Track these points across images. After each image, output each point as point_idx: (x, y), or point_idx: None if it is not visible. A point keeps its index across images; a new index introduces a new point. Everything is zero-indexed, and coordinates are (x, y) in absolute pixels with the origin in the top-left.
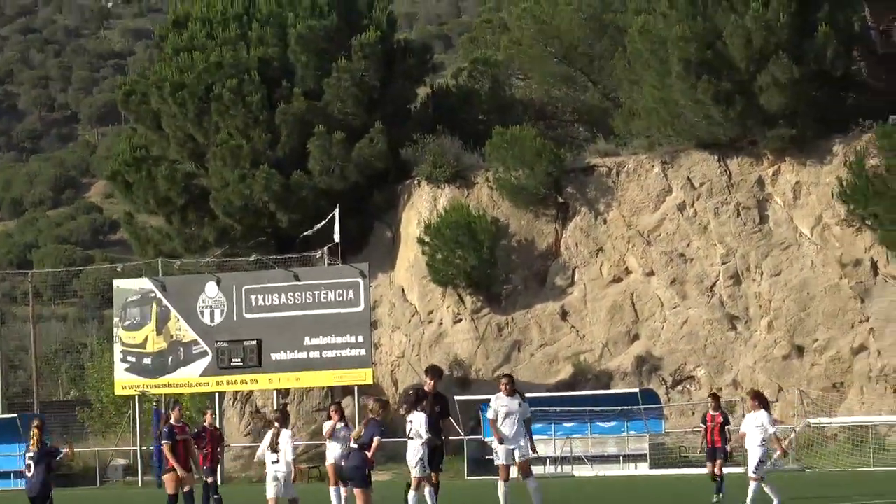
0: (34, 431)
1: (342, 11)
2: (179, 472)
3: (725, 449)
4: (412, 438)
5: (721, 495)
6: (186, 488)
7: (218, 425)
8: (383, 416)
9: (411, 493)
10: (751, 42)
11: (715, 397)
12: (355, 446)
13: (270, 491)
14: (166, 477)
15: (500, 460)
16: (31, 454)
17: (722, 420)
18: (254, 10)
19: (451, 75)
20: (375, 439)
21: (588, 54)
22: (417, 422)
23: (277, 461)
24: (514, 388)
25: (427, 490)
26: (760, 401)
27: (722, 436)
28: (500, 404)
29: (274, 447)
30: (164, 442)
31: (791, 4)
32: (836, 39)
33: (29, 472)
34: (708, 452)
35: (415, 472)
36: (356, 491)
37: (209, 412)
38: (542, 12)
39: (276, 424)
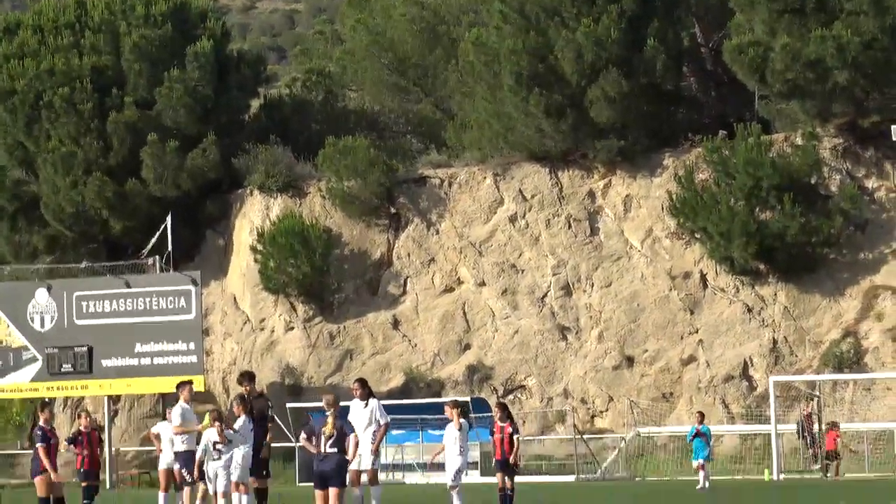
0: None
1: (176, 21)
2: (53, 476)
3: (511, 460)
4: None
5: None
6: (59, 494)
7: (101, 427)
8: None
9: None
10: (582, 56)
11: (502, 406)
12: (331, 448)
13: (220, 486)
14: (38, 479)
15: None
16: None
17: (511, 430)
18: (86, 18)
19: (285, 85)
20: (352, 436)
21: (421, 66)
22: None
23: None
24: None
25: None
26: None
27: (511, 446)
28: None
29: (224, 441)
30: (38, 444)
31: (622, 20)
32: (666, 55)
33: None
34: (497, 464)
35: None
36: (334, 492)
37: (84, 414)
38: (376, 24)
39: (218, 423)
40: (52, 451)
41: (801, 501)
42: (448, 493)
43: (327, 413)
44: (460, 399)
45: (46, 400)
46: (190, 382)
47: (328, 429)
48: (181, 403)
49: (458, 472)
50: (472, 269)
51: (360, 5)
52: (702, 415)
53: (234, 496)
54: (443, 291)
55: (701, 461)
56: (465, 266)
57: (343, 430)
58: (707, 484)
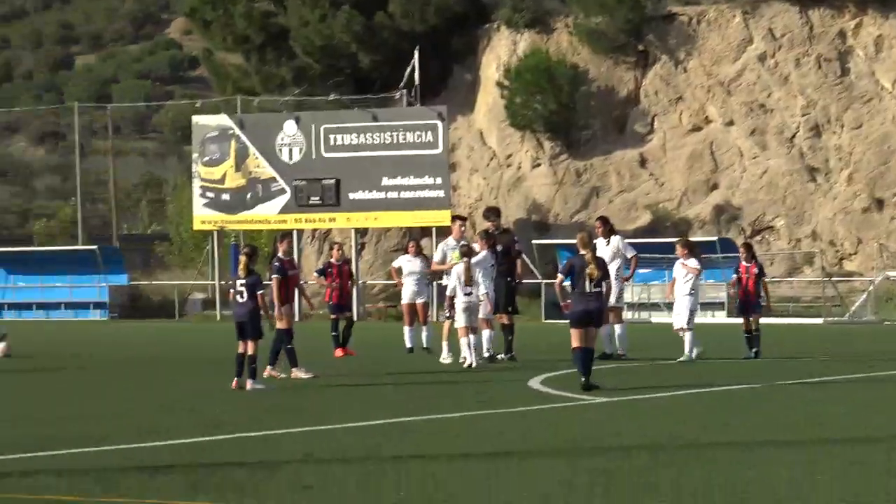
0: (243, 259)
1: None
2: (277, 311)
3: (759, 302)
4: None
5: (755, 351)
6: (281, 325)
7: (350, 260)
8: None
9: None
10: None
11: (748, 247)
12: (595, 289)
13: (461, 321)
14: (281, 311)
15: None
16: (242, 281)
17: (757, 271)
18: None
19: None
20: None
21: None
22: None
23: (470, 293)
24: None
25: (486, 334)
26: (690, 248)
27: (757, 288)
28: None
29: (468, 281)
30: (274, 276)
31: None
32: None
33: (241, 298)
34: (740, 306)
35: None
36: (593, 331)
37: (337, 247)
38: None
39: (465, 259)
40: (289, 284)
41: None
42: (678, 334)
43: (583, 252)
44: (693, 239)
45: (284, 232)
46: (463, 218)
47: (592, 269)
48: (448, 239)
49: (691, 313)
50: (719, 108)
51: None
52: None
53: (484, 332)
54: (690, 130)
55: None
56: (712, 105)
57: (606, 269)
58: None
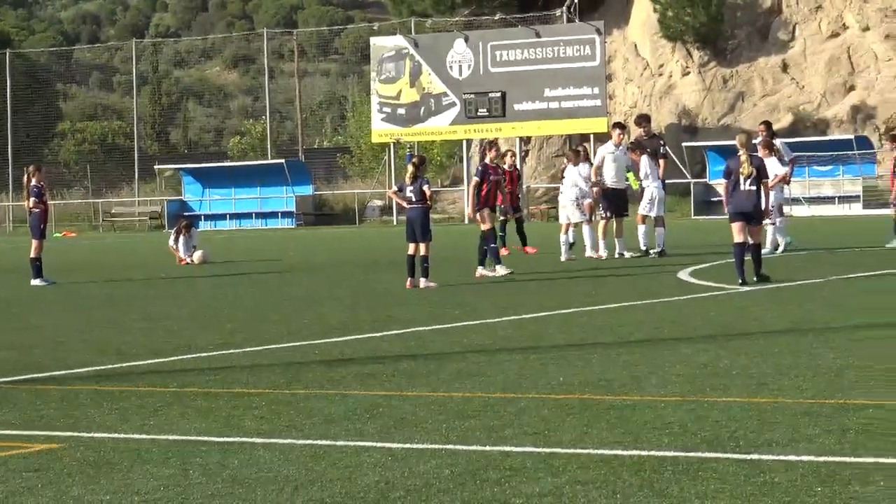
0: (410, 168)
1: None
2: (485, 211)
3: None
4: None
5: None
6: (487, 226)
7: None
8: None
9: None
10: None
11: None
12: (751, 186)
13: (563, 217)
14: (483, 213)
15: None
16: (410, 187)
17: None
18: None
19: None
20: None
21: None
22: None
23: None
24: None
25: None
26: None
27: None
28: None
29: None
30: (475, 178)
31: None
32: None
33: (411, 203)
34: None
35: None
36: (755, 229)
37: (510, 153)
38: None
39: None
40: (492, 187)
41: None
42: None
43: (740, 152)
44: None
45: (491, 140)
46: (622, 126)
47: (746, 168)
48: (608, 144)
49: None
50: (856, 15)
51: None
52: None
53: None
54: (829, 37)
55: None
56: (850, 12)
57: (762, 168)
58: None
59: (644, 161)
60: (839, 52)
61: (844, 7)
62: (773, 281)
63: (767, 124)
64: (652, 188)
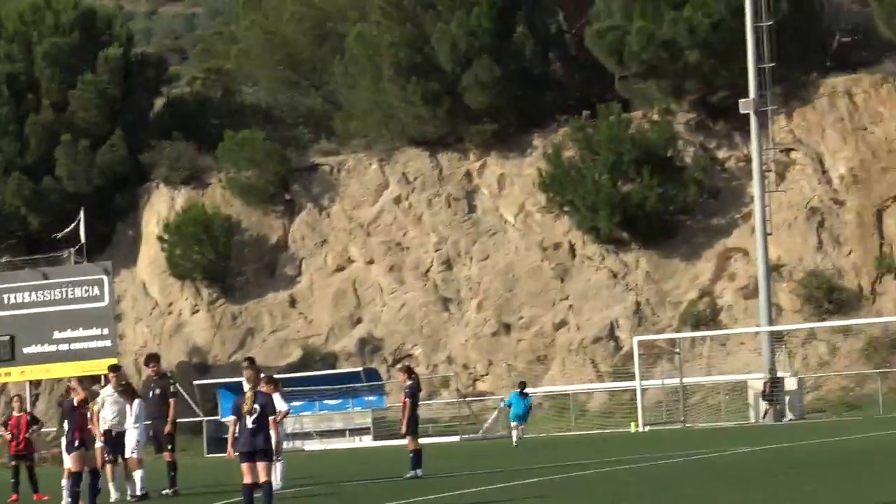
0: None
1: (84, 28)
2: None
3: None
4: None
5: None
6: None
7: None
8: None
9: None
10: (456, 46)
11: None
12: (253, 424)
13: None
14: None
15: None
16: None
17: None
18: (0, 29)
19: (187, 84)
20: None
21: (311, 61)
22: (136, 407)
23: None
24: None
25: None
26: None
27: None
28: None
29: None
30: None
31: (492, 11)
32: (534, 42)
33: None
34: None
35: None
36: (261, 465)
37: (16, 398)
38: (268, 23)
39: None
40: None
41: (663, 448)
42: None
43: (246, 388)
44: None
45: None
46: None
47: (248, 404)
48: (107, 387)
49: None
50: (361, 249)
51: (253, 6)
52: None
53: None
54: (335, 270)
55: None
56: (354, 246)
57: (266, 404)
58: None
59: (136, 404)
60: (345, 286)
61: (349, 241)
62: None
63: (250, 360)
64: (136, 431)
